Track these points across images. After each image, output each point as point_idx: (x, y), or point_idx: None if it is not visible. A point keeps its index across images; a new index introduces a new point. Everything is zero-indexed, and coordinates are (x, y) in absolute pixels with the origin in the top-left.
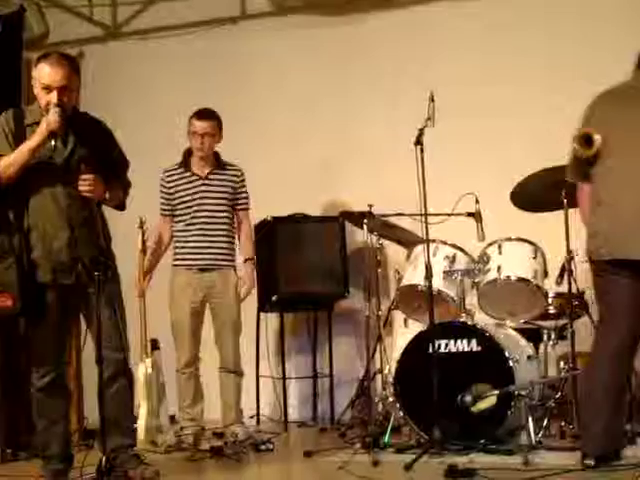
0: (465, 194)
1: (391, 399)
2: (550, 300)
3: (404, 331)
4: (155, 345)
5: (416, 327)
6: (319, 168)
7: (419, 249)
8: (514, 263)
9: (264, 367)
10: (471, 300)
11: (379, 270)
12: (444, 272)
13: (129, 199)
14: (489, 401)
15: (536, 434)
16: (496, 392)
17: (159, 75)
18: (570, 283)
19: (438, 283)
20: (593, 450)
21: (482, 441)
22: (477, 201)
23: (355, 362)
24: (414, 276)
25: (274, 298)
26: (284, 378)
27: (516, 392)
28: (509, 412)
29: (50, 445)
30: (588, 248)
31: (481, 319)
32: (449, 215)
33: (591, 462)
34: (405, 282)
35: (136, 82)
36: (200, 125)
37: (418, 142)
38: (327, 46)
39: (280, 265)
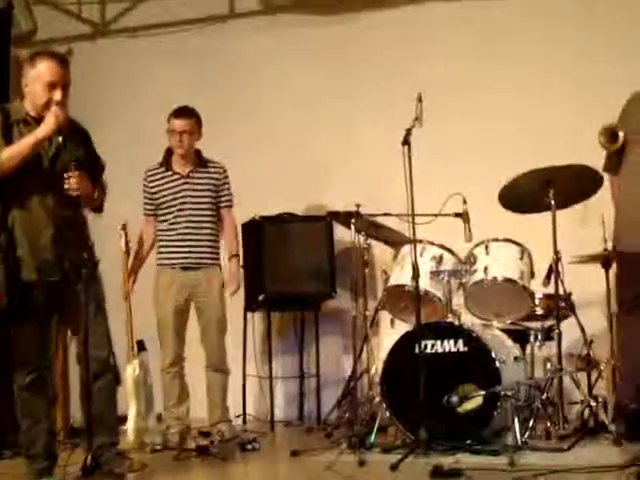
0: (452, 194)
1: (377, 399)
2: (537, 301)
3: (391, 331)
4: (141, 346)
5: (403, 327)
6: (306, 168)
7: (406, 249)
8: (501, 264)
9: (251, 366)
10: (458, 300)
11: (366, 270)
12: (431, 272)
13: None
14: (475, 402)
15: (522, 435)
16: (482, 393)
17: (148, 73)
18: (557, 284)
19: (425, 283)
20: None
21: (468, 441)
22: (464, 201)
23: (342, 362)
24: (401, 276)
25: (261, 297)
26: (271, 378)
27: (502, 393)
28: (495, 413)
29: (34, 444)
30: (617, 239)
31: (468, 320)
32: (436, 215)
33: None
34: (392, 282)
35: (125, 80)
36: (178, 123)
37: (405, 142)
38: (316, 46)
39: (267, 264)
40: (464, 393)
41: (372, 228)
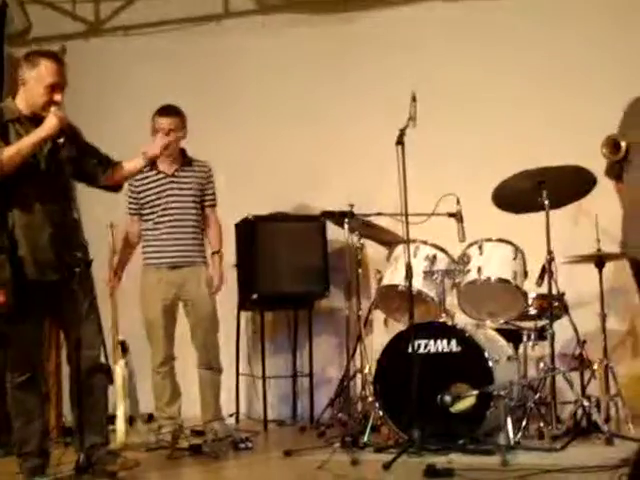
0: (446, 194)
1: (370, 399)
2: (530, 301)
3: (384, 331)
4: (124, 347)
5: (396, 327)
6: (301, 167)
7: (399, 249)
8: (494, 264)
9: (244, 366)
10: (451, 300)
11: (359, 270)
12: (424, 272)
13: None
14: (468, 401)
15: (515, 434)
16: (475, 392)
17: (141, 71)
18: (550, 284)
19: (418, 283)
20: None
21: (461, 441)
22: (458, 202)
23: (335, 361)
24: (394, 276)
25: (254, 297)
26: (264, 377)
27: (495, 392)
28: (488, 412)
29: (27, 442)
30: (625, 246)
31: (461, 319)
32: (430, 215)
33: None
34: (385, 282)
35: (118, 78)
36: (164, 122)
37: (399, 142)
38: (309, 46)
39: (260, 264)
40: (457, 393)
41: (365, 228)
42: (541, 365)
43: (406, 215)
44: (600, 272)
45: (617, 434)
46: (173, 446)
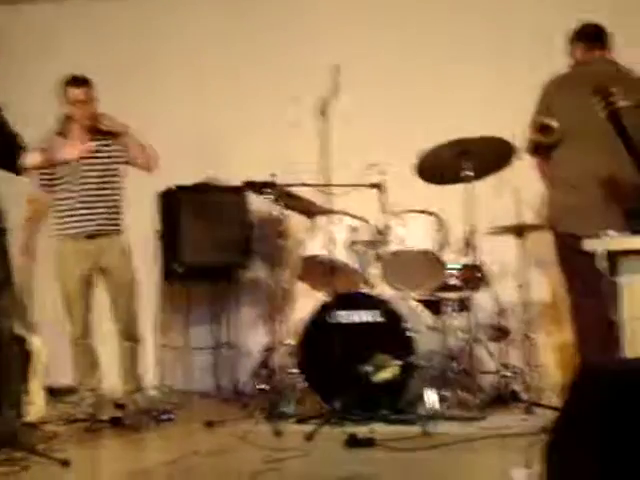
0: (369, 165)
1: (293, 370)
2: (452, 272)
3: (306, 302)
4: None
5: (319, 298)
6: (223, 138)
7: (322, 220)
8: (417, 235)
9: (167, 337)
10: (374, 271)
11: (282, 241)
12: (347, 243)
13: None
14: (390, 371)
15: (436, 404)
16: (397, 362)
17: (60, 39)
18: (472, 255)
19: (341, 254)
20: None
21: (383, 411)
22: (381, 172)
23: (258, 332)
24: (317, 247)
25: (177, 268)
26: (187, 348)
27: (417, 362)
28: (410, 382)
29: None
30: (556, 220)
31: (383, 290)
32: (353, 186)
33: None
34: (308, 253)
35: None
36: (75, 92)
37: (322, 112)
38: (235, 12)
39: (184, 235)
40: (379, 363)
41: (288, 198)
42: (462, 335)
43: (329, 186)
44: (521, 243)
45: (537, 403)
46: (93, 418)
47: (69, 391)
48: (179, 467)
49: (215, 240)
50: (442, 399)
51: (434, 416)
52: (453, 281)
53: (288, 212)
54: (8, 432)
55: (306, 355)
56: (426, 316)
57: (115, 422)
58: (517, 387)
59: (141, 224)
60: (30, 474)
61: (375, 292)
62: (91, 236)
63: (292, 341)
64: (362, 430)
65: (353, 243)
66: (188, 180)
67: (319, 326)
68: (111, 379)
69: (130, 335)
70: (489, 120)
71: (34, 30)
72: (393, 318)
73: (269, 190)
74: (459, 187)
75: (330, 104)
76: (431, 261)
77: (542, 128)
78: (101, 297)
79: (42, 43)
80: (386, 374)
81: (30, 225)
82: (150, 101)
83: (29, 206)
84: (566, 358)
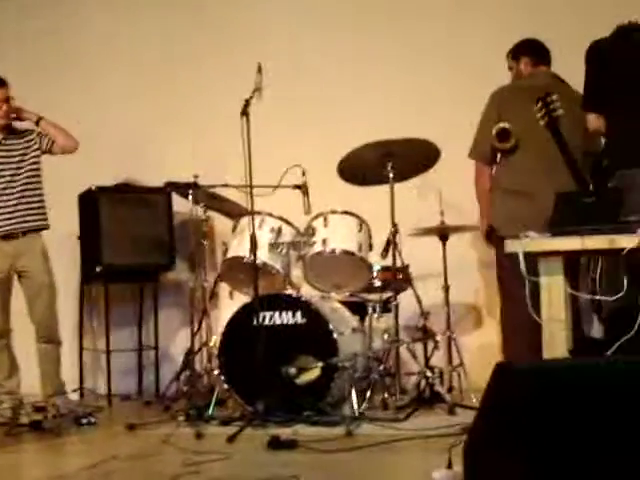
0: (292, 166)
1: (216, 372)
2: (375, 273)
3: (229, 303)
4: None
5: (241, 299)
6: (146, 137)
7: (245, 221)
8: (340, 236)
9: (88, 339)
10: (297, 272)
11: (205, 242)
12: (270, 244)
13: None
14: (313, 373)
15: (359, 405)
16: (320, 364)
17: None
18: (395, 257)
19: (264, 255)
20: None
21: (306, 413)
22: (304, 173)
23: (181, 334)
24: (239, 248)
25: (98, 269)
26: (108, 351)
27: (340, 364)
28: (333, 384)
29: None
30: (502, 226)
31: (307, 292)
32: (275, 187)
33: None
34: (230, 254)
35: None
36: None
37: (244, 113)
38: (161, 10)
39: (104, 236)
40: (302, 365)
41: (211, 199)
42: (386, 337)
43: (251, 187)
44: (444, 245)
45: (459, 404)
46: (12, 422)
47: None
48: (99, 471)
49: (136, 241)
50: (365, 400)
51: (357, 418)
52: (377, 282)
53: (213, 213)
54: None
55: (228, 357)
56: (350, 317)
57: (35, 426)
58: (440, 388)
59: (61, 225)
60: None
61: (298, 294)
62: (7, 236)
63: (215, 343)
64: (285, 432)
65: (276, 244)
66: (110, 181)
67: (242, 328)
68: (31, 382)
69: (50, 338)
70: (412, 122)
71: None
72: (316, 320)
73: (191, 191)
74: (384, 188)
75: (252, 104)
76: (354, 262)
77: (500, 133)
78: (21, 299)
79: None
80: (309, 376)
81: None
82: (77, 100)
83: None
84: (489, 359)
